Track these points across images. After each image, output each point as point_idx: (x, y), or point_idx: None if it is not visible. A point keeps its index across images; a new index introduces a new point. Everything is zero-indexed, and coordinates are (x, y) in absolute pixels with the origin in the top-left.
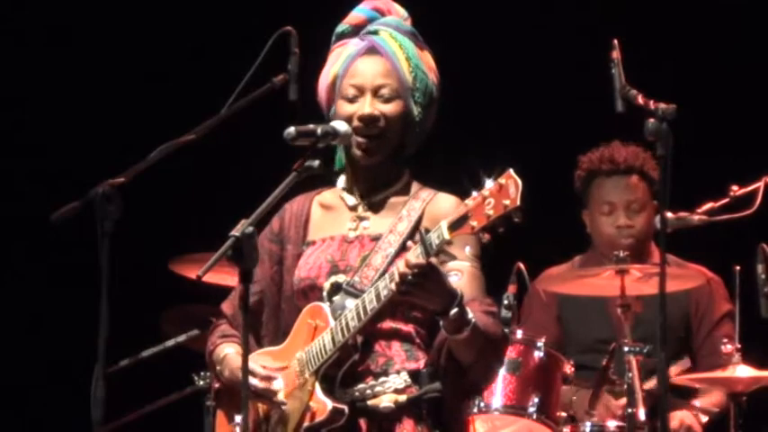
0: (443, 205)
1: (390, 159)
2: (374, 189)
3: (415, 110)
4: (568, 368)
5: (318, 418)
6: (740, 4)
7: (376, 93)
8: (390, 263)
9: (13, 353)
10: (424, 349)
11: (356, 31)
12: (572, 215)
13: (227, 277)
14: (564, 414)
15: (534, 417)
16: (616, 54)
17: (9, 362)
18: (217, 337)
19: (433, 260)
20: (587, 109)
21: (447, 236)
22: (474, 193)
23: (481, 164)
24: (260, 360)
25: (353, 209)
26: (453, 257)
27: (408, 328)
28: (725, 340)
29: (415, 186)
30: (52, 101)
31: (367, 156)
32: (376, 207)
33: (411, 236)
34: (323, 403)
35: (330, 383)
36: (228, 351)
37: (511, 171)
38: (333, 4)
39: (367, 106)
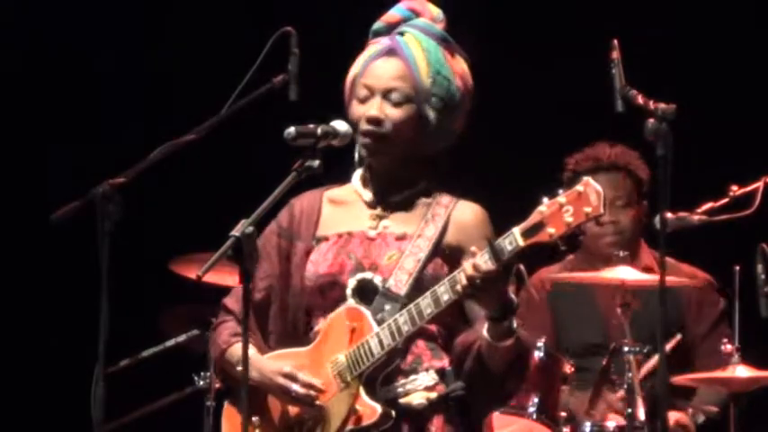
0: (468, 214)
1: (403, 160)
2: (390, 189)
3: (431, 114)
4: (568, 368)
5: (366, 422)
6: (740, 4)
7: (386, 95)
8: (423, 267)
9: (13, 353)
10: (445, 349)
11: (389, 29)
12: None
13: (227, 277)
14: (564, 414)
15: (534, 417)
16: (616, 54)
17: (9, 362)
18: (229, 336)
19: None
20: (587, 109)
21: (522, 243)
22: (545, 200)
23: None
24: (286, 362)
25: (371, 206)
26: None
27: (432, 327)
28: (725, 340)
29: (434, 190)
30: (52, 101)
31: (370, 156)
32: (395, 207)
33: (440, 241)
34: (370, 407)
35: (371, 386)
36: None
37: (589, 179)
38: (332, 5)
39: (374, 108)
